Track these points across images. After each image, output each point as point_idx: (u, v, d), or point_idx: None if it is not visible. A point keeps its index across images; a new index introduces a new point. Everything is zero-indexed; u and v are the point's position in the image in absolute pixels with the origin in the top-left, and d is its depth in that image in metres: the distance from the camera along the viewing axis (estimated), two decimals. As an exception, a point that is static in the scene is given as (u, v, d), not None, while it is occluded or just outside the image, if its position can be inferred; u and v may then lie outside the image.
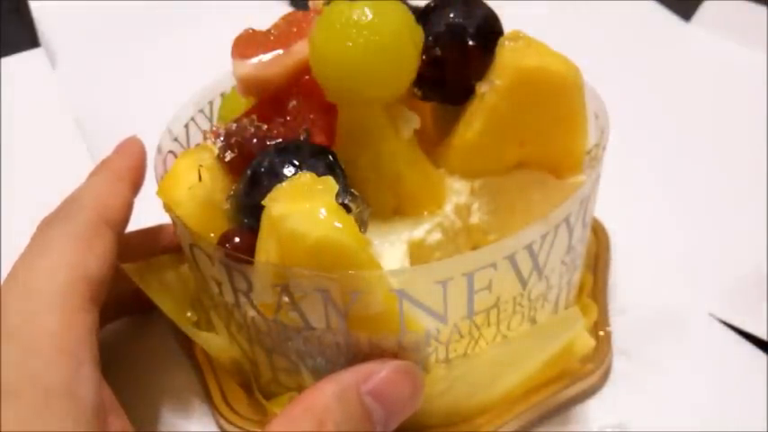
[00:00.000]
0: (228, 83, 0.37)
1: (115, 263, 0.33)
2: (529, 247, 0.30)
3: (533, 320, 0.33)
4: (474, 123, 0.33)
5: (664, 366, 0.38)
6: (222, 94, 0.39)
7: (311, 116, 0.33)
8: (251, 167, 0.30)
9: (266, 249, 0.29)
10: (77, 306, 0.29)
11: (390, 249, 0.32)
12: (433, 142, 0.35)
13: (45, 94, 0.62)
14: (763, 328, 0.40)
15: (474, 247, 0.36)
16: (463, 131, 0.34)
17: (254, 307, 0.31)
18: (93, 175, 0.35)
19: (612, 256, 0.43)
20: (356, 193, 0.30)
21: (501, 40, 0.33)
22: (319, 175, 0.29)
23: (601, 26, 0.65)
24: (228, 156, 0.32)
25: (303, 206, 0.27)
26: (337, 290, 0.28)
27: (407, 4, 0.31)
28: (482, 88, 0.33)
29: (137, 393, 0.37)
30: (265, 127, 0.33)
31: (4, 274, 0.31)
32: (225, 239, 0.30)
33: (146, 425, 0.36)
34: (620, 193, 0.44)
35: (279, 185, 0.29)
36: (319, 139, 0.32)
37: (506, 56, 0.32)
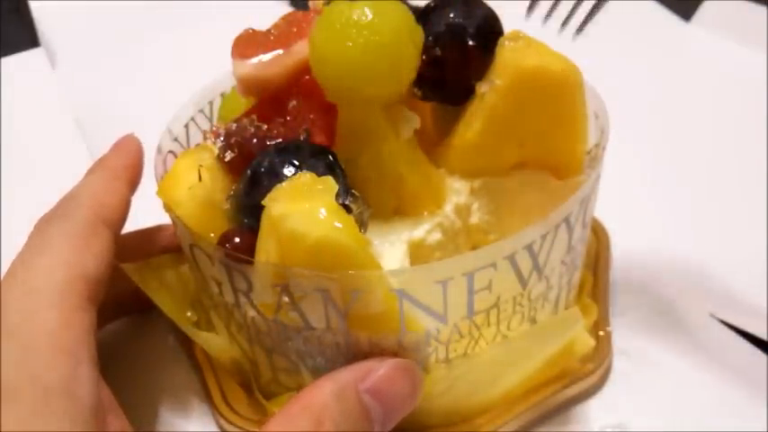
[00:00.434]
0: (228, 83, 0.37)
1: (113, 261, 0.32)
2: (529, 247, 0.30)
3: (533, 320, 0.33)
4: (474, 123, 0.33)
5: (664, 366, 0.38)
6: (222, 94, 0.39)
7: (311, 116, 0.33)
8: (251, 167, 0.30)
9: (266, 249, 0.29)
10: (75, 305, 0.29)
11: (390, 249, 0.32)
12: (433, 142, 0.35)
13: (45, 94, 0.62)
14: (763, 328, 0.40)
15: (474, 247, 0.36)
16: (463, 131, 0.34)
17: (254, 307, 0.31)
18: (89, 173, 0.35)
19: (612, 256, 0.43)
20: (356, 193, 0.30)
21: (501, 40, 0.33)
22: (319, 175, 0.29)
23: (601, 26, 0.64)
24: (228, 156, 0.32)
25: (303, 206, 0.27)
26: (337, 290, 0.28)
27: (407, 4, 0.31)
28: (482, 88, 0.33)
29: (136, 393, 0.37)
30: (265, 127, 0.33)
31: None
32: (225, 239, 0.30)
33: (145, 425, 0.36)
34: (620, 193, 0.44)
35: (279, 185, 0.29)
36: (319, 139, 0.32)
37: (506, 56, 0.32)
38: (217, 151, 0.33)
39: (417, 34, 0.31)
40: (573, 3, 0.31)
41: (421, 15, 0.32)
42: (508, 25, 0.34)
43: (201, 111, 0.39)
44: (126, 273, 0.35)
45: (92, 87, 0.62)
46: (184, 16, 0.69)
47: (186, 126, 0.38)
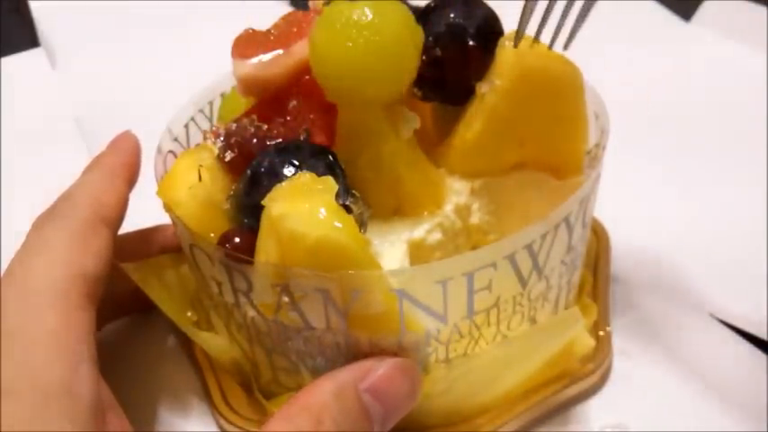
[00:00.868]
0: (228, 83, 0.37)
1: (111, 260, 0.32)
2: (529, 247, 0.30)
3: (533, 320, 0.33)
4: (474, 124, 0.33)
5: (664, 366, 0.38)
6: (222, 94, 0.39)
7: (311, 116, 0.33)
8: (251, 167, 0.30)
9: (266, 249, 0.29)
10: (75, 304, 0.29)
11: (390, 249, 0.32)
12: (433, 142, 0.35)
13: (45, 94, 0.62)
14: (764, 328, 0.40)
15: (474, 247, 0.36)
16: (463, 132, 0.34)
17: (254, 307, 0.31)
18: (87, 171, 0.35)
19: (612, 255, 0.43)
20: (356, 193, 0.30)
21: (501, 40, 0.33)
22: (319, 175, 0.29)
23: (601, 26, 0.64)
24: (228, 156, 0.32)
25: (303, 206, 0.27)
26: (337, 290, 0.28)
27: (407, 4, 0.31)
28: (482, 88, 0.33)
29: (136, 393, 0.37)
30: (265, 127, 0.33)
31: (4, 274, 0.31)
32: (225, 239, 0.30)
33: (145, 424, 0.36)
34: (620, 193, 0.44)
35: (279, 185, 0.29)
36: (319, 139, 0.32)
37: (506, 56, 0.32)
38: (217, 151, 0.33)
39: (417, 34, 0.31)
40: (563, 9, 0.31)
41: (421, 15, 0.32)
42: (508, 25, 0.34)
43: (201, 111, 0.39)
44: (126, 272, 0.35)
45: (92, 87, 0.62)
46: (185, 16, 0.69)
47: (186, 126, 0.38)
